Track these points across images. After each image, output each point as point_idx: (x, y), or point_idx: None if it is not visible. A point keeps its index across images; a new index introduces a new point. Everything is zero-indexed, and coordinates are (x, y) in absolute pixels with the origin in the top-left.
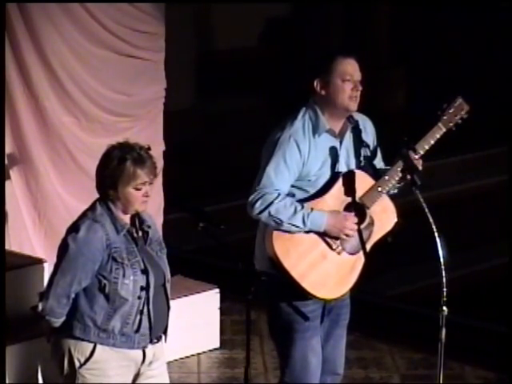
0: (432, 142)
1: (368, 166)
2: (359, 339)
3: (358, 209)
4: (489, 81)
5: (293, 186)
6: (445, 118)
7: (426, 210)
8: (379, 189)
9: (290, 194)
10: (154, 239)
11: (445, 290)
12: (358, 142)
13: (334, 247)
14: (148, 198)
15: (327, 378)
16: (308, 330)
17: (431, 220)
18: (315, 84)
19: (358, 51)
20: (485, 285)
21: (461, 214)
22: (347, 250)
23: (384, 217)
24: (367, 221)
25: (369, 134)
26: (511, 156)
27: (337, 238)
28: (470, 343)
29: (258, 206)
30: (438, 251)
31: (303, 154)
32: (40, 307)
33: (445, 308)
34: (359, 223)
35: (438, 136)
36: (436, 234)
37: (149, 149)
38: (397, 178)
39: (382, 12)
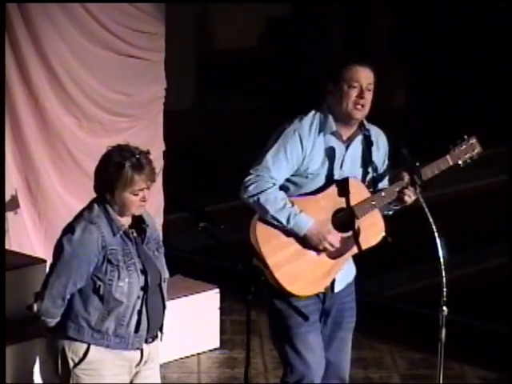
0: (436, 171)
1: (370, 180)
2: (359, 339)
3: (347, 214)
4: (489, 81)
5: (289, 181)
6: (454, 152)
7: (426, 210)
8: (373, 202)
9: (285, 188)
10: (152, 238)
11: (445, 289)
12: (367, 153)
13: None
14: (145, 203)
15: (332, 380)
16: (302, 325)
17: (431, 220)
18: (328, 87)
19: (358, 51)
20: (485, 285)
21: (461, 213)
22: (327, 253)
23: (371, 231)
24: (351, 233)
25: (380, 149)
26: (511, 156)
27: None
28: (469, 343)
29: (251, 189)
30: (438, 251)
31: (305, 150)
32: (35, 308)
33: (445, 308)
34: (343, 231)
35: (442, 167)
36: (436, 234)
37: (148, 153)
38: (393, 197)
39: (382, 12)
